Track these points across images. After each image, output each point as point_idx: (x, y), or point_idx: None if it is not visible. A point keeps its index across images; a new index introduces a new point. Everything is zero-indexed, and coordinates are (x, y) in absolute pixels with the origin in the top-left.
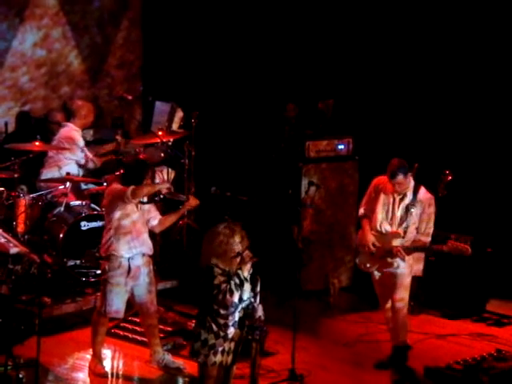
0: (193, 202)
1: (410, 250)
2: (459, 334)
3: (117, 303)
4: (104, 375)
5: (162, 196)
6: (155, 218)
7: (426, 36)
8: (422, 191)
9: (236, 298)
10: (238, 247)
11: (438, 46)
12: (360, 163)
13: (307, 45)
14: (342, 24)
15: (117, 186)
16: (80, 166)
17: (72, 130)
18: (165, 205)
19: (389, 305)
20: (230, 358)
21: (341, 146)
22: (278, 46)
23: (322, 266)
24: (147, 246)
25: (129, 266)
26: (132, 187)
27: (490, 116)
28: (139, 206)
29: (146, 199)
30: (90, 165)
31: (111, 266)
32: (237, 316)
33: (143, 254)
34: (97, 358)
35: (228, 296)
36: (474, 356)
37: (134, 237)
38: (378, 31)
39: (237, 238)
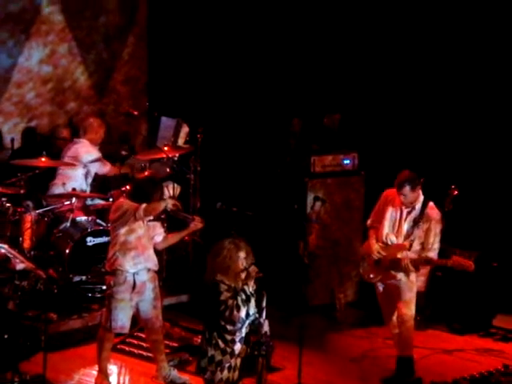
0: (198, 223)
1: (416, 263)
2: (466, 349)
3: (122, 318)
4: None
5: (168, 210)
6: (160, 235)
7: (431, 51)
8: (431, 207)
9: (243, 314)
10: (243, 262)
11: (444, 62)
12: (366, 178)
13: (313, 59)
14: (347, 39)
15: (124, 200)
16: (86, 177)
17: (85, 146)
18: (169, 221)
19: (394, 318)
20: (236, 374)
21: (346, 161)
22: (283, 60)
23: (327, 281)
24: (152, 261)
25: (134, 281)
26: (144, 206)
27: (496, 131)
28: (145, 221)
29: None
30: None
31: (116, 281)
32: (244, 332)
33: (148, 270)
34: (103, 373)
35: (235, 312)
36: (480, 371)
37: (139, 252)
38: (383, 46)
39: (242, 254)
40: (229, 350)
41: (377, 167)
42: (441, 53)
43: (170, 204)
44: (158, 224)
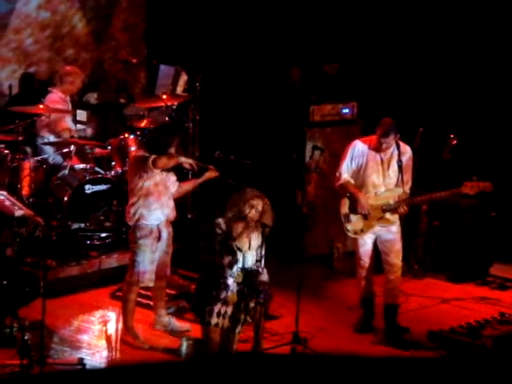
0: (213, 172)
1: (414, 202)
2: (463, 297)
3: (149, 270)
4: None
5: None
6: (174, 185)
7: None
8: (402, 144)
9: (231, 262)
10: (251, 210)
11: (445, 9)
12: (365, 127)
13: (312, 8)
14: None
15: (139, 152)
16: (54, 133)
17: (56, 96)
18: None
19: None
20: (226, 322)
21: (345, 110)
22: (283, 9)
23: (326, 231)
24: (172, 211)
25: (159, 232)
26: (153, 157)
27: (494, 79)
28: (163, 172)
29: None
30: (65, 135)
31: (142, 234)
32: (231, 280)
33: (166, 219)
34: (131, 332)
35: (218, 257)
36: (477, 319)
37: (161, 204)
38: None
39: (255, 202)
40: (221, 295)
41: (376, 116)
42: (440, 2)
43: (187, 164)
44: (171, 173)
